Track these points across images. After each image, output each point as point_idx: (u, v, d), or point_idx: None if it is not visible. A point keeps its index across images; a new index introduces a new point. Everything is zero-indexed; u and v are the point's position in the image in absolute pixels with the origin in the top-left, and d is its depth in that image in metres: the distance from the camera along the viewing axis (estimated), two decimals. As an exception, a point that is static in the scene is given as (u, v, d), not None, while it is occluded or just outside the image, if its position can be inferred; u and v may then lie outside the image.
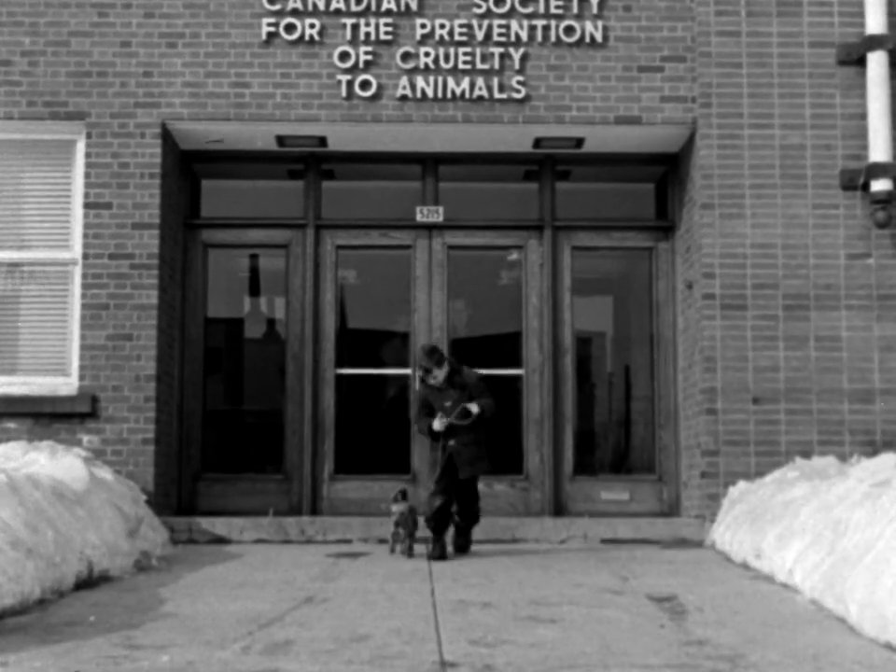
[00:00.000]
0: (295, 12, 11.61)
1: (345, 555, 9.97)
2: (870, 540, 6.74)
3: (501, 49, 11.56)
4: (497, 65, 11.55)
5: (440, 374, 9.95)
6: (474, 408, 9.90)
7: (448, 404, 9.95)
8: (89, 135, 11.44)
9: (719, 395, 11.07)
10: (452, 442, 9.94)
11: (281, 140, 11.99)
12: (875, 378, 11.06)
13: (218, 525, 11.06)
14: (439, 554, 9.85)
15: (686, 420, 11.81)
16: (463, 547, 10.23)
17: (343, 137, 11.91)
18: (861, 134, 11.19)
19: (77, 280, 11.41)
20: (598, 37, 11.56)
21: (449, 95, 11.51)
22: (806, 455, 10.74)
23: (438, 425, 9.89)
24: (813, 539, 7.78)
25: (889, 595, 5.96)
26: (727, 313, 11.15)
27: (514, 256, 12.75)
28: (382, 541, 10.67)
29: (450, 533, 10.29)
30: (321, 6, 11.61)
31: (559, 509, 12.09)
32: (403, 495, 10.18)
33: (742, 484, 10.60)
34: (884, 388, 11.04)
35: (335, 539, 10.98)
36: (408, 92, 11.52)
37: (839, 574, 6.81)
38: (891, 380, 11.05)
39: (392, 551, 10.10)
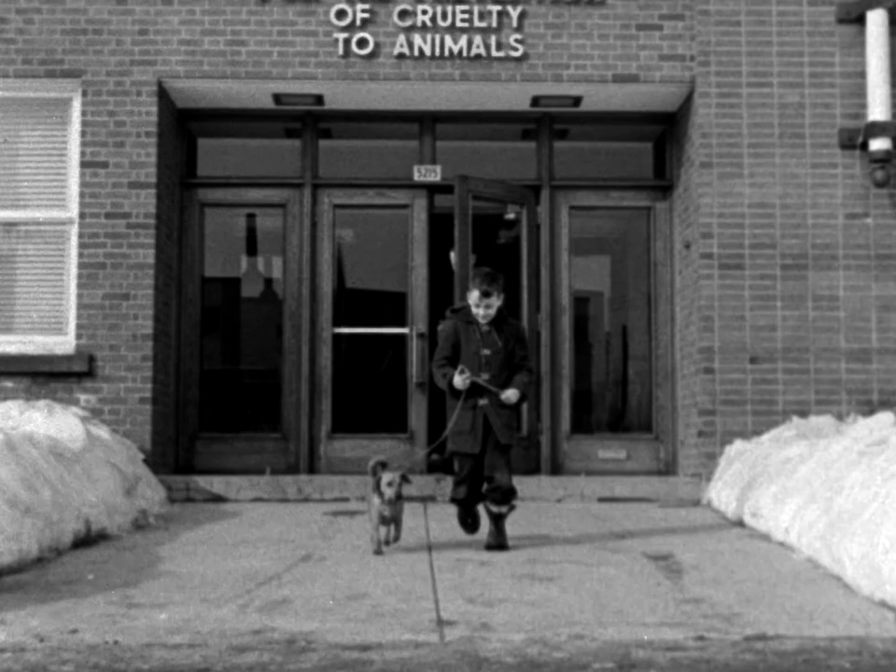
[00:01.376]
0: (291, -31, 11.54)
1: (342, 514, 9.98)
2: (866, 499, 6.75)
3: (499, 7, 11.48)
4: (494, 23, 11.48)
5: (494, 305, 7.98)
6: (513, 395, 7.98)
7: (487, 353, 8.01)
8: (84, 94, 11.38)
9: (716, 354, 11.06)
10: (484, 401, 7.96)
11: (278, 98, 11.94)
12: (873, 337, 11.05)
13: (216, 484, 11.08)
14: (470, 523, 8.36)
15: (683, 379, 11.81)
16: (494, 543, 7.97)
17: (340, 96, 11.86)
18: (860, 93, 11.14)
19: (74, 239, 11.38)
20: (597, -5, 11.51)
21: (446, 53, 11.45)
22: (803, 414, 10.75)
23: (460, 382, 7.89)
24: (809, 498, 7.79)
25: (885, 553, 5.97)
26: (725, 272, 11.13)
27: (512, 215, 12.73)
28: (400, 468, 10.67)
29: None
30: (318, -37, 11.55)
31: (556, 467, 12.10)
32: (382, 466, 7.84)
33: (739, 443, 10.62)
34: (881, 348, 11.04)
35: (332, 497, 11.00)
36: (405, 51, 11.45)
37: (835, 533, 6.82)
38: (888, 339, 11.05)
39: (378, 552, 7.67)
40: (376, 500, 7.68)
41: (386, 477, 7.70)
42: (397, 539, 7.88)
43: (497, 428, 7.98)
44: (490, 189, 12.19)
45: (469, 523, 8.39)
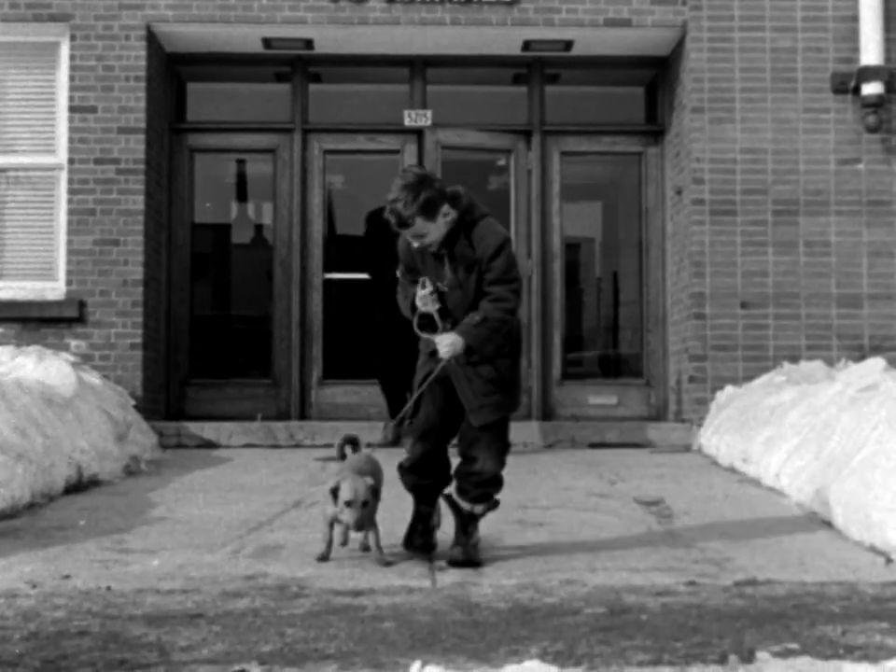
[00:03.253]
0: (281, -89, 11.41)
1: (334, 459, 9.95)
2: (856, 445, 6.77)
3: (490, -50, 11.39)
4: (485, -34, 11.38)
5: (430, 233, 5.63)
6: (447, 349, 5.62)
7: (444, 289, 5.77)
8: (73, 38, 11.28)
9: (707, 300, 11.05)
10: (446, 356, 5.64)
11: (267, 42, 11.84)
12: (864, 283, 11.05)
13: (207, 430, 11.08)
14: (420, 544, 5.94)
15: (674, 325, 11.81)
16: (461, 558, 5.70)
17: (330, 40, 11.76)
18: (853, 37, 11.07)
19: (63, 185, 11.31)
20: (588, -62, 11.41)
21: (437, -3, 11.37)
22: (794, 359, 10.75)
23: (419, 299, 5.76)
24: (800, 444, 7.82)
25: (875, 498, 6.00)
26: (716, 218, 11.10)
27: (503, 161, 12.67)
28: (369, 445, 10.68)
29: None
30: None
31: (547, 413, 12.12)
32: (352, 444, 6.26)
33: (729, 389, 10.63)
34: (872, 293, 11.04)
35: (323, 443, 11.00)
36: (396, -6, 11.37)
37: (826, 478, 6.85)
38: (879, 285, 11.04)
39: (324, 557, 5.72)
40: (329, 508, 5.67)
41: (346, 490, 5.54)
42: (376, 545, 5.77)
43: (463, 397, 5.75)
44: (465, 138, 12.13)
45: (420, 531, 5.98)
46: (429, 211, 5.57)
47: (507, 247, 5.71)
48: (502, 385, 5.78)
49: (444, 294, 5.74)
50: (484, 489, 5.79)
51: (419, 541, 5.94)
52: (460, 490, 5.83)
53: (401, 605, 4.74)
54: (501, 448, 5.83)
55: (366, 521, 5.56)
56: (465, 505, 5.81)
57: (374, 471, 5.86)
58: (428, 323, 5.77)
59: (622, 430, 11.24)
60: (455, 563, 5.65)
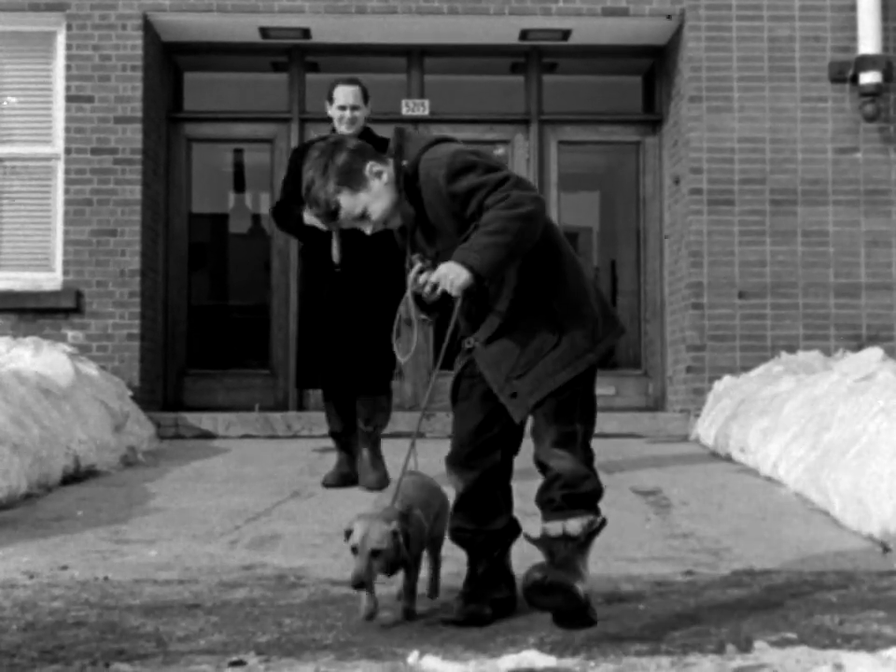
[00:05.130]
0: None
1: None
2: (854, 434, 6.77)
3: (488, -61, 11.37)
4: (483, -45, 11.36)
5: (371, 209, 4.28)
6: (445, 275, 4.06)
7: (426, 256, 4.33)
8: (69, 27, 11.25)
9: (705, 290, 11.05)
10: (472, 341, 4.31)
11: (264, 32, 11.82)
12: (861, 273, 11.04)
13: (205, 421, 11.07)
14: (466, 616, 4.30)
15: (672, 315, 11.81)
16: (584, 619, 4.01)
17: (328, 29, 11.75)
18: (851, 26, 11.05)
19: (60, 175, 11.30)
20: (586, -73, 11.38)
21: (434, -14, 11.35)
22: (792, 349, 10.75)
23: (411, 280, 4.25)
24: (797, 433, 7.82)
25: (873, 488, 6.00)
26: (714, 208, 11.09)
27: (501, 150, 12.66)
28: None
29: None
30: None
31: (545, 403, 12.08)
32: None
33: (727, 379, 10.63)
34: (870, 283, 11.03)
35: (321, 433, 10.94)
36: (393, -17, 11.35)
37: (823, 467, 6.85)
38: (877, 274, 11.04)
39: (369, 616, 4.25)
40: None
41: (355, 534, 4.17)
42: (410, 613, 4.37)
43: (494, 386, 4.28)
44: (462, 128, 12.10)
45: (468, 594, 4.41)
46: (352, 177, 4.24)
47: (461, 158, 4.24)
48: (543, 345, 4.17)
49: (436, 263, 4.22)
50: (570, 490, 4.10)
51: (472, 607, 4.34)
52: (542, 509, 4.21)
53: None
54: (574, 434, 4.19)
55: (371, 575, 4.11)
56: (551, 527, 4.12)
57: (428, 503, 4.49)
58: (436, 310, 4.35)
59: (619, 420, 11.23)
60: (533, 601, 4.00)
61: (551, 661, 3.63)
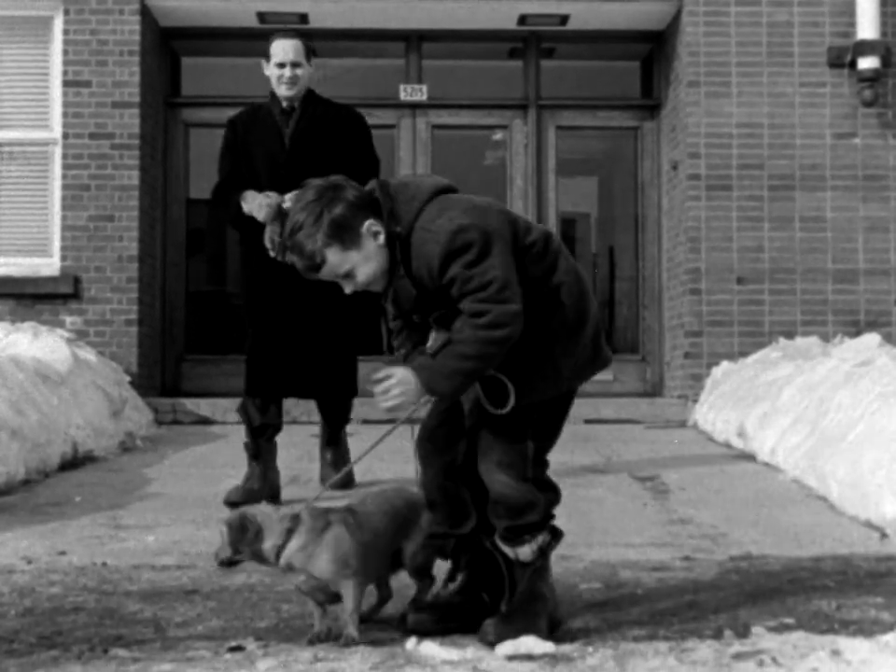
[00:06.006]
0: None
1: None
2: (852, 420, 6.77)
3: (486, -76, 11.35)
4: (481, -60, 11.34)
5: (358, 270, 3.88)
6: (398, 383, 3.87)
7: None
8: (66, 12, 11.22)
9: (703, 275, 11.05)
10: (388, 406, 3.93)
11: (262, 17, 11.79)
12: (860, 258, 11.04)
13: (203, 406, 11.06)
14: (419, 623, 3.94)
15: (670, 300, 11.81)
16: (490, 636, 3.78)
17: (325, 14, 11.72)
18: (849, 11, 11.02)
19: (58, 160, 11.28)
20: (584, -89, 11.37)
21: (432, -30, 11.34)
22: (790, 335, 10.75)
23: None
24: (795, 419, 7.82)
25: (870, 474, 6.00)
26: (712, 193, 11.09)
27: (499, 135, 12.65)
28: (366, 422, 10.68)
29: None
30: None
31: (543, 389, 12.09)
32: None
33: (725, 365, 10.63)
34: (868, 269, 11.03)
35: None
36: (391, -32, 11.33)
37: (821, 453, 6.85)
38: (875, 260, 11.04)
39: (313, 640, 3.82)
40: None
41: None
42: (347, 640, 3.75)
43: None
44: (460, 113, 12.13)
45: (425, 605, 4.05)
46: (346, 233, 3.81)
47: (461, 238, 3.73)
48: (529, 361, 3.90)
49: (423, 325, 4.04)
50: (513, 522, 3.90)
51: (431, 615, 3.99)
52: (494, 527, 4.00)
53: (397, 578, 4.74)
54: (522, 453, 3.96)
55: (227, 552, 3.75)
56: (505, 549, 3.97)
57: (395, 512, 4.07)
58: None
59: (617, 406, 11.24)
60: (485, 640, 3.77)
61: (549, 647, 3.63)
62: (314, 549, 3.74)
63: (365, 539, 3.82)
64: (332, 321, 6.85)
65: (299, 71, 7.00)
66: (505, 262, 3.75)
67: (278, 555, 3.73)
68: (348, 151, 6.93)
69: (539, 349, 3.88)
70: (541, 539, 3.92)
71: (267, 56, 7.10)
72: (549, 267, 3.89)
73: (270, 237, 6.27)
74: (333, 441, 7.39)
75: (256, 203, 6.59)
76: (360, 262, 3.85)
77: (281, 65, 6.98)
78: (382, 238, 3.84)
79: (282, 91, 7.00)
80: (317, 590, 3.81)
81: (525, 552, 3.90)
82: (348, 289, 3.96)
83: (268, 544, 3.73)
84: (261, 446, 6.96)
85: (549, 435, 4.14)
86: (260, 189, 6.72)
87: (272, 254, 6.17)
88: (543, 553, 3.93)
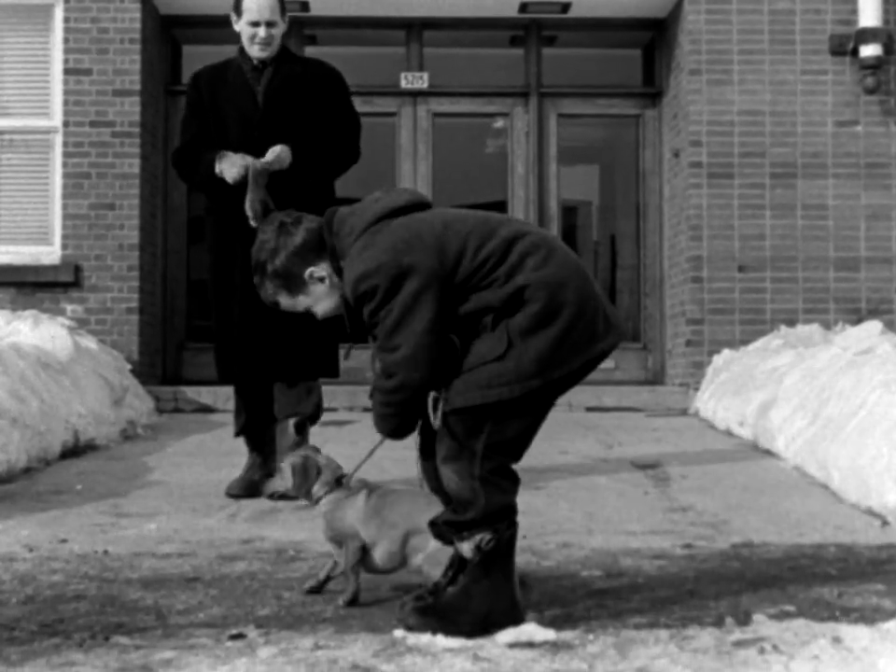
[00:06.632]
0: None
1: (331, 423, 9.98)
2: (853, 408, 6.76)
3: (487, -89, 11.33)
4: (482, -73, 11.32)
5: (316, 308, 4.08)
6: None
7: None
8: (67, 0, 11.21)
9: (704, 263, 11.04)
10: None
11: (262, 5, 11.75)
12: (861, 246, 11.04)
13: (204, 394, 11.06)
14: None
15: (671, 288, 11.80)
16: (399, 615, 3.84)
17: (326, 1, 11.70)
18: (852, -1, 11.03)
19: (58, 148, 11.28)
20: None
21: (433, -42, 11.31)
22: (791, 323, 10.75)
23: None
24: (797, 407, 7.81)
25: (872, 461, 6.00)
26: (714, 181, 11.08)
27: (500, 123, 12.63)
28: (367, 410, 10.68)
29: None
30: None
31: (544, 377, 12.09)
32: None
33: (727, 352, 10.63)
34: (869, 256, 11.03)
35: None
36: (392, -45, 11.30)
37: (823, 441, 6.85)
38: (877, 248, 11.03)
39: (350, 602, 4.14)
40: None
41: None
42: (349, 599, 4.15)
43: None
44: (461, 101, 12.10)
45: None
46: (290, 282, 3.98)
47: (362, 287, 3.74)
48: (487, 354, 3.76)
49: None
50: (452, 517, 3.84)
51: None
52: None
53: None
54: (470, 451, 3.79)
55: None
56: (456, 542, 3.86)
57: (400, 502, 4.23)
58: None
59: (619, 394, 11.24)
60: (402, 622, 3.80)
61: (550, 634, 3.63)
62: (340, 504, 4.18)
63: (386, 516, 4.12)
64: None
65: (274, 31, 6.43)
66: (406, 304, 3.69)
67: (319, 500, 4.24)
68: (325, 110, 6.49)
69: (492, 351, 3.74)
70: (479, 537, 3.77)
71: (238, 10, 6.49)
72: (509, 271, 3.74)
73: (251, 204, 6.05)
74: (301, 438, 6.64)
75: (229, 162, 6.15)
76: (312, 303, 4.02)
77: (255, 24, 6.39)
78: (328, 281, 3.95)
79: (255, 51, 6.44)
80: (333, 541, 4.21)
81: (466, 548, 3.80)
82: (318, 317, 4.12)
83: (317, 487, 4.25)
84: (257, 437, 6.72)
85: (503, 432, 3.84)
86: (233, 150, 6.25)
87: (253, 223, 5.95)
88: (488, 552, 3.78)
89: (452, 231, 3.81)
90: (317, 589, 4.30)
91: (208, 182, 6.32)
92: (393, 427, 3.94)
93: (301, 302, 4.02)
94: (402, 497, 4.23)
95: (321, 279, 3.94)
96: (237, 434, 6.85)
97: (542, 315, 3.73)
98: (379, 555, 4.11)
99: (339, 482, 4.25)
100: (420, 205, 3.97)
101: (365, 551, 4.12)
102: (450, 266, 3.74)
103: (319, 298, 3.99)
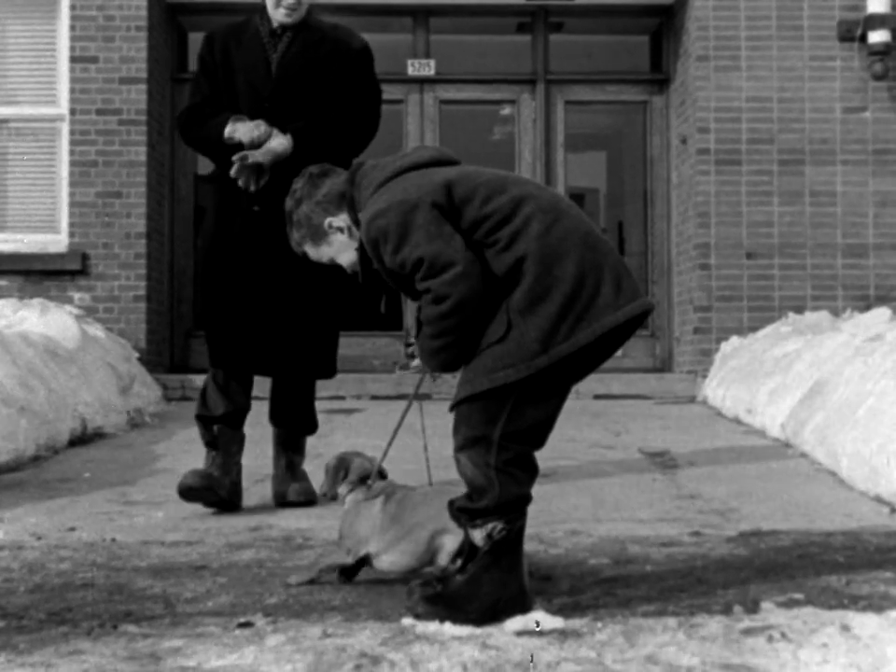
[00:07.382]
0: None
1: (339, 412, 10.00)
2: (861, 395, 6.75)
3: None
4: (489, -86, 11.29)
5: (341, 260, 4.15)
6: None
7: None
8: (73, -13, 11.23)
9: (712, 250, 11.02)
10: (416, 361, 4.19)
11: (269, -8, 11.74)
12: (869, 233, 11.01)
13: (212, 383, 11.04)
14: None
15: (679, 275, 11.78)
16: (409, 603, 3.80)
17: (333, -11, 11.69)
18: (860, -16, 11.00)
19: (65, 136, 11.28)
20: None
21: (440, -55, 11.29)
22: (799, 310, 10.73)
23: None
24: (805, 394, 7.79)
25: (880, 448, 5.99)
26: (721, 168, 11.06)
27: (507, 110, 12.61)
28: (374, 398, 10.69)
29: None
30: None
31: (551, 365, 12.08)
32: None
33: (735, 340, 10.62)
34: (878, 243, 11.00)
35: (328, 395, 10.96)
36: (398, -58, 11.28)
37: (831, 428, 6.83)
38: (885, 235, 11.01)
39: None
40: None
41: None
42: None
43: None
44: (468, 88, 12.09)
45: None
46: (312, 231, 4.08)
47: (374, 230, 3.79)
48: (488, 337, 3.74)
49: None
50: (466, 503, 3.79)
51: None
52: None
53: (406, 556, 4.74)
54: (485, 439, 3.74)
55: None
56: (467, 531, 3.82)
57: (423, 503, 4.21)
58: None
59: (627, 382, 11.23)
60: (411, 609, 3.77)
61: (558, 622, 3.63)
62: (356, 507, 4.27)
63: (408, 519, 4.14)
64: (311, 288, 5.80)
65: None
66: (429, 233, 3.68)
67: (342, 498, 4.37)
68: (344, 84, 6.12)
69: (494, 333, 3.72)
70: (491, 526, 3.72)
71: None
72: (513, 234, 3.71)
73: (239, 161, 5.65)
74: (292, 446, 6.35)
75: (243, 126, 5.74)
76: (335, 254, 4.12)
77: None
78: (346, 231, 4.04)
79: (279, 15, 5.98)
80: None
81: (477, 536, 3.75)
82: (348, 271, 4.18)
83: (341, 487, 4.37)
84: (221, 434, 6.05)
85: (519, 419, 3.83)
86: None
87: (240, 183, 5.70)
88: (497, 542, 3.73)
89: (464, 178, 3.82)
90: (349, 577, 4.30)
91: (214, 145, 5.91)
92: (452, 356, 3.79)
93: (324, 253, 4.12)
94: (427, 497, 4.19)
95: (340, 229, 4.04)
96: (211, 421, 6.07)
97: (538, 290, 3.69)
98: (401, 556, 4.13)
99: (363, 481, 4.32)
100: (444, 162, 3.99)
101: (368, 559, 4.20)
102: (455, 206, 3.75)
103: (341, 249, 4.09)
